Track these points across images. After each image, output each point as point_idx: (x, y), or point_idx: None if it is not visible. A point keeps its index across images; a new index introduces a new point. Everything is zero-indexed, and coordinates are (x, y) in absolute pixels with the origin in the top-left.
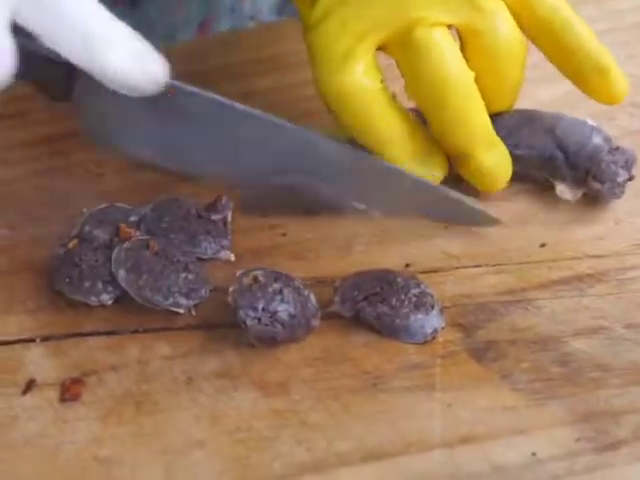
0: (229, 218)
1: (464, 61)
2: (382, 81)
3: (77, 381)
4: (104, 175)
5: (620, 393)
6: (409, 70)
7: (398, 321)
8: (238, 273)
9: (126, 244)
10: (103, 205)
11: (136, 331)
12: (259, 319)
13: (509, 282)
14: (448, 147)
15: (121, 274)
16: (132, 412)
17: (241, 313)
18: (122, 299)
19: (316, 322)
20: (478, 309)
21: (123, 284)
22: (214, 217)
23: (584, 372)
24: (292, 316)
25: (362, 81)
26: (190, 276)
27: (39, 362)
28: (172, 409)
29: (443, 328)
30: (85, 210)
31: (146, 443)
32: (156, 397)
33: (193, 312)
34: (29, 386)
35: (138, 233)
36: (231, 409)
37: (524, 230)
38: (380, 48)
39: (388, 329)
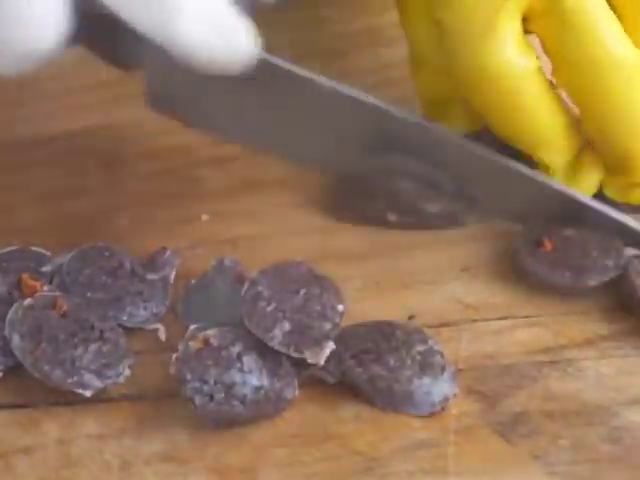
0: (171, 278)
1: (627, 37)
2: (538, 58)
3: None
4: (15, 205)
5: None
6: (558, 48)
7: (398, 386)
8: (188, 332)
9: (27, 301)
10: (12, 247)
11: (55, 403)
12: (210, 396)
13: (543, 338)
14: (604, 149)
15: (15, 339)
16: None
17: (187, 388)
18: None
19: (291, 394)
20: (503, 373)
21: (16, 352)
22: (150, 276)
23: None
24: (257, 389)
25: (514, 60)
26: (105, 348)
27: None
28: None
29: (456, 396)
30: None
31: None
32: None
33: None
34: None
35: (46, 287)
36: None
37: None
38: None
39: (385, 397)
